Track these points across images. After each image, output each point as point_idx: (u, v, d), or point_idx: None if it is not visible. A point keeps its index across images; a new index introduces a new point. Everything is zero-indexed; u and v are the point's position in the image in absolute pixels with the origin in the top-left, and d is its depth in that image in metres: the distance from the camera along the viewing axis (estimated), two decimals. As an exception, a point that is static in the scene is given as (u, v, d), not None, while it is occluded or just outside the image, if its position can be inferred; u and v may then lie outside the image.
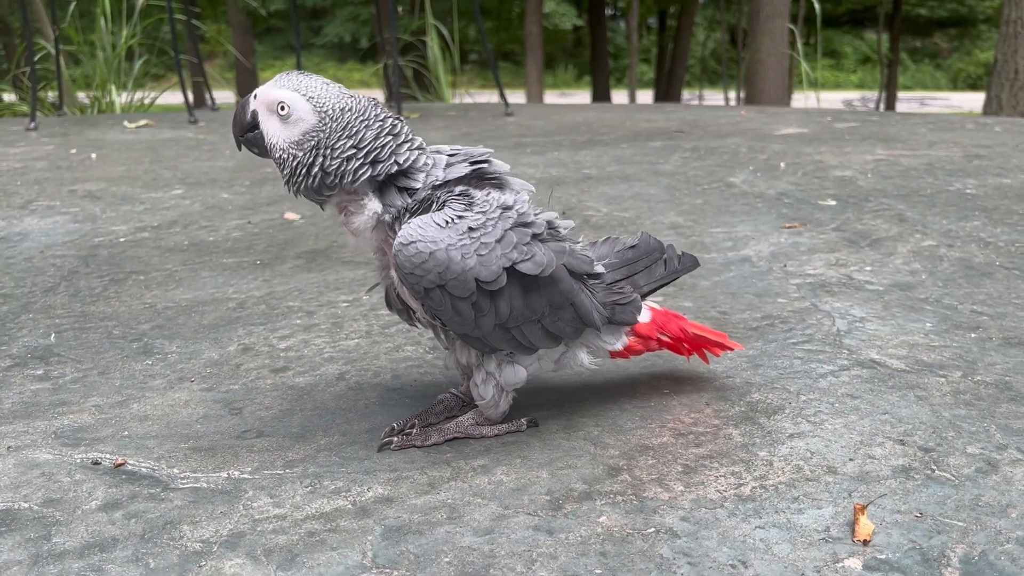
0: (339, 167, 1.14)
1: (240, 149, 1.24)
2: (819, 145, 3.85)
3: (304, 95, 1.14)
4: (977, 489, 1.10)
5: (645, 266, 1.33)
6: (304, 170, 1.15)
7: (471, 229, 1.12)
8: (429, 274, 1.11)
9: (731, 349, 1.40)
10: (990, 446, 1.20)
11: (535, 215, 1.19)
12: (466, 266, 1.11)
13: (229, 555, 1.00)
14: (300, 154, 1.15)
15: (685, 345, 1.38)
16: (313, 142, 1.14)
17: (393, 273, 1.20)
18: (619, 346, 1.30)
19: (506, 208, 1.16)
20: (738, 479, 1.14)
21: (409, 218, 1.15)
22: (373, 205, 1.16)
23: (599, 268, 1.26)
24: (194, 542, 1.03)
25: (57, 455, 1.25)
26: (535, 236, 1.16)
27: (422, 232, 1.11)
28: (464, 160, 1.20)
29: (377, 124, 1.15)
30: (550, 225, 1.20)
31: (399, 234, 1.12)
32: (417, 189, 1.16)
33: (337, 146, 1.14)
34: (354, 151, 1.14)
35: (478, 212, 1.14)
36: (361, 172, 1.14)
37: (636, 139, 4.20)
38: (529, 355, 1.23)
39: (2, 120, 5.85)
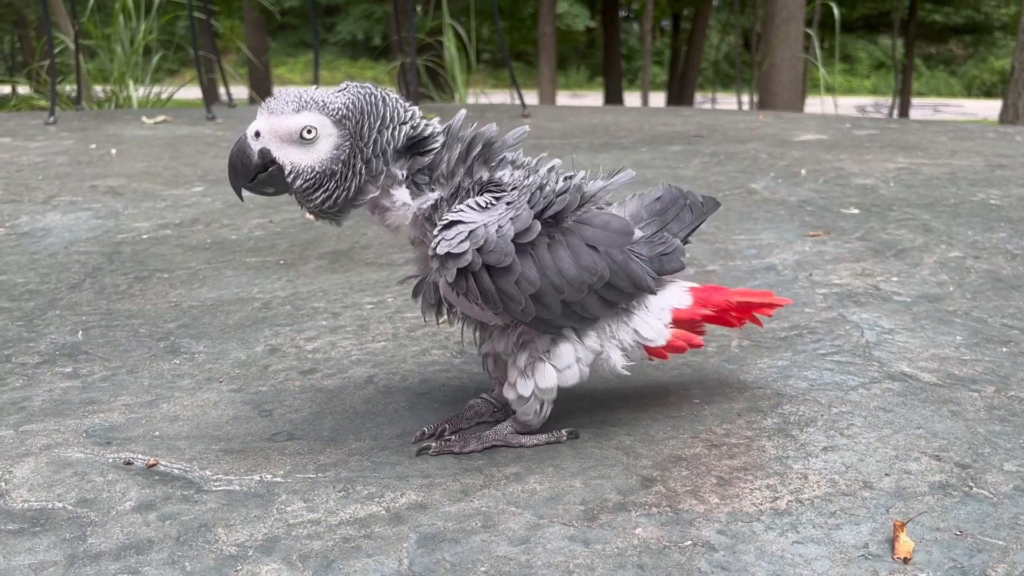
0: (375, 146, 1.13)
1: (242, 199, 1.18)
2: (839, 152, 3.83)
3: (319, 110, 1.11)
4: (1016, 507, 1.09)
5: (675, 215, 1.32)
6: (347, 174, 1.13)
7: (508, 204, 1.16)
8: (467, 254, 1.11)
9: (780, 306, 1.38)
10: (1027, 463, 1.19)
11: (559, 178, 1.21)
12: (503, 232, 1.12)
13: (265, 560, 1.00)
14: (339, 167, 1.13)
15: (733, 314, 1.35)
16: (347, 148, 1.13)
17: (433, 264, 1.19)
18: (661, 341, 1.28)
19: (533, 180, 1.20)
20: (773, 492, 1.13)
21: (448, 208, 1.17)
22: (402, 195, 1.17)
23: (637, 232, 1.25)
24: (229, 546, 1.03)
25: (89, 454, 1.25)
26: (560, 193, 1.18)
27: (463, 214, 1.14)
28: (456, 140, 1.20)
29: (380, 95, 1.15)
30: (578, 189, 1.20)
31: (440, 222, 1.14)
32: (433, 163, 1.17)
33: (365, 132, 1.13)
34: (380, 122, 1.14)
35: (512, 190, 1.18)
36: (400, 133, 1.14)
37: (654, 143, 4.19)
38: (585, 330, 1.22)
39: (20, 114, 5.88)
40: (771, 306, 1.38)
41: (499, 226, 1.13)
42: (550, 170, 1.24)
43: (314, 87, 1.16)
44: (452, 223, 1.13)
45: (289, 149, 1.12)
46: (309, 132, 1.11)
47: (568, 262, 1.16)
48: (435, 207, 1.18)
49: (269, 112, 1.12)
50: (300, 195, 1.15)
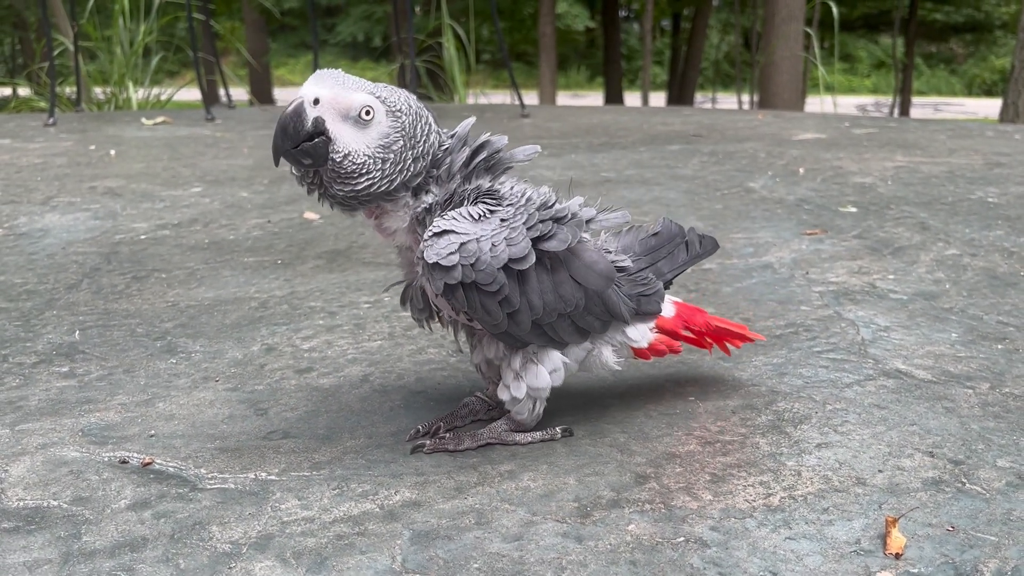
0: (424, 147, 1.14)
1: (278, 164, 1.14)
2: (838, 151, 3.84)
3: (377, 96, 1.11)
4: (1008, 503, 1.09)
5: (668, 252, 1.34)
6: (398, 166, 1.12)
7: (503, 220, 1.14)
8: (455, 268, 1.11)
9: (752, 340, 1.42)
10: (1020, 459, 1.19)
11: (559, 202, 1.21)
12: (496, 253, 1.12)
13: (259, 557, 1.01)
14: (391, 156, 1.12)
15: (707, 339, 1.39)
16: (400, 143, 1.12)
17: (419, 269, 1.19)
18: (644, 343, 1.30)
19: (530, 200, 1.18)
20: (767, 489, 1.13)
21: (440, 213, 1.15)
22: (406, 198, 1.16)
23: (627, 262, 1.27)
24: (223, 543, 1.03)
25: (85, 453, 1.25)
26: (558, 220, 1.17)
27: (455, 223, 1.12)
28: (463, 144, 1.19)
29: (419, 102, 1.17)
30: (575, 216, 1.20)
31: (431, 228, 1.13)
32: (439, 176, 1.17)
33: (417, 132, 1.14)
34: (428, 127, 1.15)
35: (507, 205, 1.16)
36: (442, 141, 1.16)
37: (653, 142, 4.19)
38: (557, 350, 1.23)
39: (20, 115, 5.88)
40: (744, 339, 1.41)
41: (492, 244, 1.11)
42: (552, 190, 1.23)
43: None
44: (444, 232, 1.12)
45: (343, 126, 1.09)
46: (368, 113, 1.09)
47: (548, 286, 1.16)
48: (429, 210, 1.16)
49: (334, 82, 1.09)
50: (341, 177, 1.11)
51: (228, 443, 1.28)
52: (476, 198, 1.17)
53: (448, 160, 1.17)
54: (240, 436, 1.30)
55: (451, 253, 1.10)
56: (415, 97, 1.18)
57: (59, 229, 2.59)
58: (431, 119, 1.17)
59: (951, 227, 2.45)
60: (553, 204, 1.19)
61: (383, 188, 1.13)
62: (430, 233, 1.13)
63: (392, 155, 1.12)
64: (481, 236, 1.12)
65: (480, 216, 1.14)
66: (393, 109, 1.12)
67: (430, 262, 1.11)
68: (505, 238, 1.12)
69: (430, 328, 1.33)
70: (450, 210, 1.15)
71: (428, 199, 1.17)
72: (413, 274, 1.26)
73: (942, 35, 21.43)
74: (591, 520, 1.07)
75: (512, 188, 1.20)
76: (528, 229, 1.14)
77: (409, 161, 1.13)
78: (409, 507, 1.10)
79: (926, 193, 2.90)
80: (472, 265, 1.10)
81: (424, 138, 1.14)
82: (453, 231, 1.12)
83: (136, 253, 2.33)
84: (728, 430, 1.29)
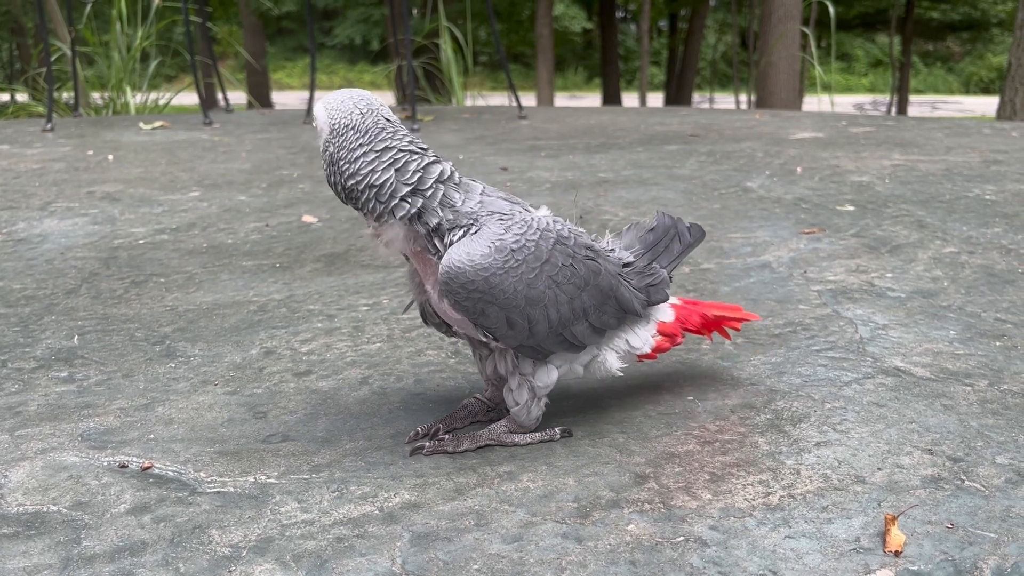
0: (351, 191, 1.14)
1: None
2: (835, 150, 3.84)
3: (326, 107, 1.15)
4: (1008, 500, 1.09)
5: (665, 246, 1.35)
6: (333, 181, 1.16)
7: (514, 251, 1.12)
8: (485, 296, 1.11)
9: (748, 320, 1.44)
10: (1019, 456, 1.19)
11: (572, 233, 1.20)
12: (516, 288, 1.12)
13: (258, 560, 1.01)
14: (324, 165, 1.17)
15: (705, 329, 1.41)
16: (327, 155, 1.15)
17: (429, 289, 1.20)
18: (647, 349, 1.30)
19: (545, 229, 1.16)
20: (766, 488, 1.13)
21: (450, 237, 1.13)
22: (388, 216, 1.15)
23: (630, 257, 1.29)
24: (223, 547, 1.03)
25: (84, 458, 1.25)
26: (575, 256, 1.18)
27: (470, 260, 1.10)
28: (507, 199, 1.19)
29: (373, 156, 1.11)
30: (589, 247, 1.22)
31: (444, 261, 1.11)
32: (437, 224, 1.14)
33: (343, 168, 1.13)
34: (356, 179, 1.12)
35: (517, 233, 1.14)
36: (369, 201, 1.12)
37: (651, 143, 4.20)
38: (575, 353, 1.24)
39: (18, 121, 5.88)
40: (740, 320, 1.43)
41: (512, 280, 1.11)
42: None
43: (362, 97, 1.15)
44: (461, 271, 1.10)
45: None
46: (314, 121, 1.16)
47: (564, 299, 1.17)
48: (436, 228, 1.14)
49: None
50: None
51: (227, 447, 1.28)
52: (483, 224, 1.13)
53: (438, 190, 1.13)
54: (239, 439, 1.30)
55: (475, 289, 1.10)
56: (377, 129, 1.12)
57: (57, 234, 2.59)
58: (389, 145, 1.11)
59: (949, 225, 2.46)
60: (571, 241, 1.18)
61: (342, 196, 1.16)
62: (445, 271, 1.10)
63: (325, 164, 1.16)
64: (498, 270, 1.11)
65: (491, 247, 1.11)
66: (331, 121, 1.14)
67: (459, 296, 1.11)
68: (523, 275, 1.12)
69: (455, 336, 1.33)
70: (460, 234, 1.13)
71: (434, 220, 1.13)
72: (423, 295, 1.26)
73: (939, 33, 21.44)
74: (591, 520, 1.07)
75: (522, 213, 1.17)
76: (545, 265, 1.14)
77: (340, 186, 1.14)
78: (408, 509, 1.10)
79: (924, 191, 2.90)
80: (495, 296, 1.11)
81: (344, 177, 1.12)
82: (469, 268, 1.10)
83: (135, 258, 2.33)
84: (727, 429, 1.29)
